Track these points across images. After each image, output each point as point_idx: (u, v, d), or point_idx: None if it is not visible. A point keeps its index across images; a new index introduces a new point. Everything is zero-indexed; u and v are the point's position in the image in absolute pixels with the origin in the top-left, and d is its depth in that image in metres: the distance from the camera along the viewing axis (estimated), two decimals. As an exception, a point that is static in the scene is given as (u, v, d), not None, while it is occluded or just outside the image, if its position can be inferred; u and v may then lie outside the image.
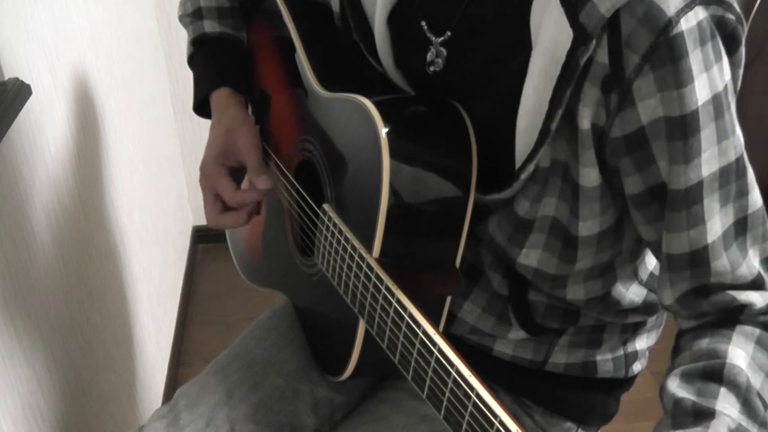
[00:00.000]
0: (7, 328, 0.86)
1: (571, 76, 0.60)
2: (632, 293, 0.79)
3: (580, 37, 0.58)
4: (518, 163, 0.67)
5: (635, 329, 0.85)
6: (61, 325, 1.03)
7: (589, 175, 0.65)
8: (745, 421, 0.57)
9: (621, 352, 0.84)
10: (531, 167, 0.66)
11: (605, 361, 0.84)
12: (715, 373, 0.60)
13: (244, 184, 0.93)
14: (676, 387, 0.61)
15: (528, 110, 0.64)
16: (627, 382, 0.88)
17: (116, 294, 1.33)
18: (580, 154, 0.64)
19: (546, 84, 0.62)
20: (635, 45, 0.58)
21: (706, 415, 0.57)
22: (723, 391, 0.59)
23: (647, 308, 0.81)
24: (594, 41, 0.59)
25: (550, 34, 0.60)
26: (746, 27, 0.62)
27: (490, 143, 0.71)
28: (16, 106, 0.87)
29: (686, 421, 0.58)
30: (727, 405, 0.58)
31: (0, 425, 0.82)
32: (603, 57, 0.60)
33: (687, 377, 0.62)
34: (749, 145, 0.66)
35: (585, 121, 0.62)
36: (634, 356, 0.86)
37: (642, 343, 0.86)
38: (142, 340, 1.51)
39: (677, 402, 0.60)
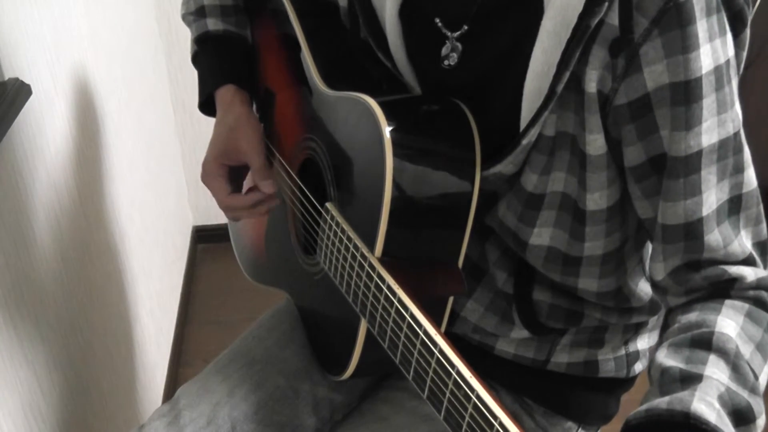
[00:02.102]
0: (7, 328, 0.86)
1: (581, 38, 0.61)
2: (641, 290, 0.79)
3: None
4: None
5: (637, 329, 0.85)
6: (61, 325, 1.03)
7: (596, 142, 0.65)
8: (734, 386, 0.57)
9: (623, 351, 0.84)
10: (534, 133, 0.66)
11: (607, 360, 0.84)
12: (704, 341, 0.60)
13: (248, 182, 0.93)
14: (663, 357, 0.60)
15: (536, 73, 0.64)
16: (628, 382, 0.88)
17: (116, 294, 1.33)
18: (586, 119, 0.65)
19: (555, 46, 0.62)
20: (645, 9, 0.59)
21: (693, 379, 0.57)
22: (712, 357, 0.58)
23: (652, 307, 0.81)
24: (606, 3, 0.59)
25: None
26: (751, 7, 0.63)
27: (499, 124, 0.71)
28: (16, 106, 0.87)
29: (673, 387, 0.57)
30: (716, 370, 0.57)
31: (0, 425, 0.82)
32: (613, 19, 0.60)
33: (675, 347, 0.61)
34: (750, 145, 0.66)
35: (591, 84, 0.63)
36: (635, 356, 0.86)
37: (644, 342, 0.86)
38: (142, 340, 1.51)
39: (664, 371, 0.59)
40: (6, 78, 0.89)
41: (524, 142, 0.67)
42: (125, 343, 1.38)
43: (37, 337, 0.94)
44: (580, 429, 0.88)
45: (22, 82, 0.90)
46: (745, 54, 0.65)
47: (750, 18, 0.64)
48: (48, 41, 1.05)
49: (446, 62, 0.74)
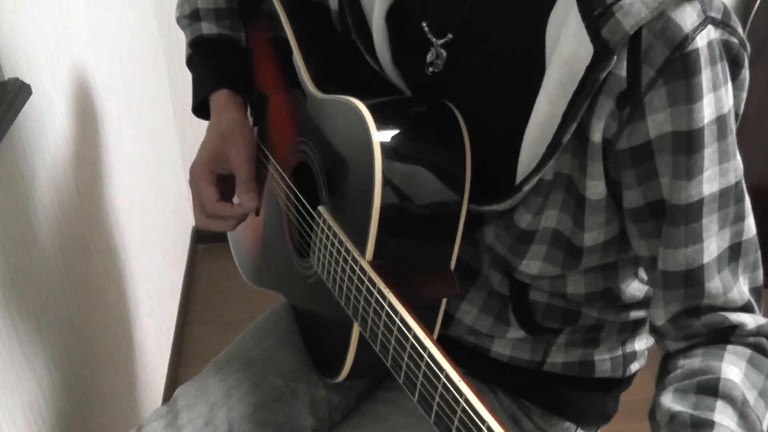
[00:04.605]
0: (7, 328, 0.86)
1: (589, 90, 0.60)
2: (633, 288, 0.79)
3: (601, 52, 0.58)
4: (521, 175, 0.67)
5: (634, 329, 0.85)
6: (61, 325, 1.03)
7: (597, 188, 0.65)
8: None
9: (619, 352, 0.84)
10: (535, 180, 0.66)
11: (603, 360, 0.84)
12: (711, 388, 0.60)
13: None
14: (670, 402, 0.61)
15: (539, 122, 0.64)
16: (625, 381, 0.88)
17: (116, 294, 1.33)
18: (588, 167, 0.64)
19: (560, 97, 0.62)
20: (652, 59, 0.58)
21: (704, 425, 0.57)
22: (719, 404, 0.59)
23: (647, 302, 0.81)
24: (615, 57, 0.59)
25: (568, 47, 0.60)
26: (748, 50, 0.63)
27: (489, 152, 0.71)
28: (16, 106, 0.87)
29: None
30: (724, 417, 0.58)
31: (0, 425, 0.82)
32: (621, 70, 0.60)
33: (681, 392, 0.61)
34: (749, 144, 0.66)
35: (597, 134, 0.62)
36: (632, 356, 0.86)
37: (641, 343, 0.86)
38: (142, 340, 1.51)
39: (674, 416, 0.59)
40: (6, 78, 0.89)
41: (525, 188, 0.67)
42: (125, 343, 1.38)
43: (37, 337, 0.94)
44: (578, 429, 0.88)
45: (22, 82, 0.90)
46: (744, 95, 0.65)
47: (747, 58, 0.63)
48: (48, 41, 1.05)
49: (431, 69, 0.74)
